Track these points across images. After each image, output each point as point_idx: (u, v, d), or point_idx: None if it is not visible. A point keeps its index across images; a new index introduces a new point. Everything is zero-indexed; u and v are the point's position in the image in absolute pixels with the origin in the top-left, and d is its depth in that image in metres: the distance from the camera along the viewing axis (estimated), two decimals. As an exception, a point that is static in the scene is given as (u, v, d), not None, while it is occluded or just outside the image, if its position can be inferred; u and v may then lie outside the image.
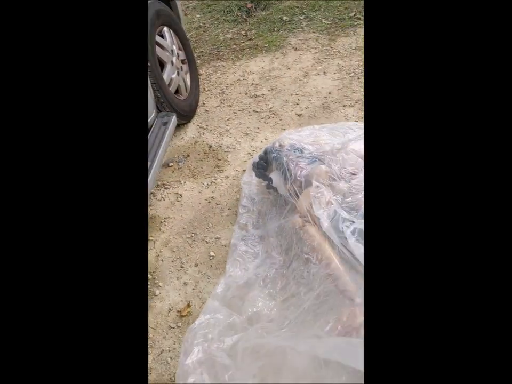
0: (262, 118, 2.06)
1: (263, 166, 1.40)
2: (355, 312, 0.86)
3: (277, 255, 1.22)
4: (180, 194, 1.71)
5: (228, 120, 2.10)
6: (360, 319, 0.85)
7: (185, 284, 1.35)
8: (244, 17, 3.16)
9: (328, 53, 2.48)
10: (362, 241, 0.79)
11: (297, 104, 2.10)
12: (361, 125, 1.49)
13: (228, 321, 1.04)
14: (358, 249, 0.79)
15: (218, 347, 0.93)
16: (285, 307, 0.97)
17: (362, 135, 1.19)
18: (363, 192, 0.96)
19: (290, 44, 2.70)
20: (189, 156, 1.91)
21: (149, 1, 1.74)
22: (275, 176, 1.34)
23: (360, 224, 0.83)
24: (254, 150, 1.85)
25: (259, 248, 1.34)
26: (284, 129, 1.90)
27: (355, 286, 0.82)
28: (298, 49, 2.61)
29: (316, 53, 2.52)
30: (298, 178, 1.10)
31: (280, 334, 0.86)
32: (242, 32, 3.02)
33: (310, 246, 0.97)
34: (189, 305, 1.26)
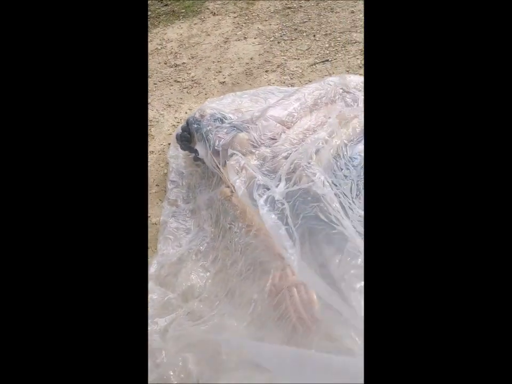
0: (185, 88, 1.98)
1: (187, 137, 1.35)
2: (286, 272, 0.88)
3: (208, 227, 1.21)
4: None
5: (148, 92, 1.99)
6: (292, 278, 0.87)
7: (116, 267, 1.29)
8: (157, -20, 2.96)
9: (247, 17, 2.42)
10: (274, 211, 0.79)
11: (220, 71, 2.05)
12: (282, 88, 1.50)
13: (163, 300, 1.02)
14: (270, 220, 0.78)
15: (151, 330, 0.91)
16: (216, 282, 0.97)
17: (281, 100, 1.19)
18: (282, 154, 0.96)
19: (208, 8, 2.60)
20: (109, 133, 1.79)
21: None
22: (201, 148, 1.31)
23: (273, 192, 0.83)
24: (178, 122, 1.78)
25: (191, 223, 1.31)
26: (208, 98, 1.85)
27: (282, 249, 0.82)
28: (217, 14, 2.52)
29: (235, 17, 2.45)
30: (216, 148, 1.08)
31: (210, 319, 0.86)
32: (157, -3, 2.85)
33: (233, 215, 0.96)
34: (122, 289, 1.22)
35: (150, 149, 1.68)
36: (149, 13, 2.68)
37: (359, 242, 0.70)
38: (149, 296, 1.06)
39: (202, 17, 2.52)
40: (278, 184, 0.86)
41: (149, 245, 1.35)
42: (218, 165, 1.05)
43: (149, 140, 1.72)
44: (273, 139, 1.04)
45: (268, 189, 0.85)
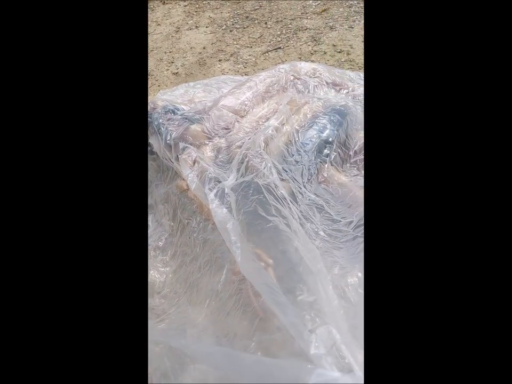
0: (136, 81, 1.92)
1: (140, 132, 1.31)
2: None
3: (167, 222, 1.19)
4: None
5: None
6: None
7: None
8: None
9: (198, 6, 2.37)
10: (225, 205, 0.78)
11: (172, 62, 2.00)
12: (235, 78, 1.48)
13: (123, 298, 1.00)
14: (220, 214, 0.77)
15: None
16: (176, 277, 0.96)
17: (233, 90, 1.17)
18: (236, 144, 0.95)
19: (157, -3, 2.52)
20: (58, 130, 1.72)
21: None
22: (154, 141, 1.27)
23: (223, 185, 0.82)
24: (131, 116, 1.73)
25: (149, 219, 1.29)
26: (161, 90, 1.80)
27: (228, 243, 0.81)
28: (167, 3, 2.45)
29: (185, 6, 2.39)
30: (168, 142, 1.05)
31: (170, 316, 0.85)
32: (102, -14, 2.73)
33: (190, 209, 0.95)
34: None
35: (103, 145, 1.62)
36: (95, 2, 2.57)
37: (294, 237, 0.70)
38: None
39: (152, 6, 2.44)
40: (230, 176, 0.85)
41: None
42: (171, 159, 1.03)
43: (101, 135, 1.66)
44: (227, 129, 1.03)
45: (220, 182, 0.84)
